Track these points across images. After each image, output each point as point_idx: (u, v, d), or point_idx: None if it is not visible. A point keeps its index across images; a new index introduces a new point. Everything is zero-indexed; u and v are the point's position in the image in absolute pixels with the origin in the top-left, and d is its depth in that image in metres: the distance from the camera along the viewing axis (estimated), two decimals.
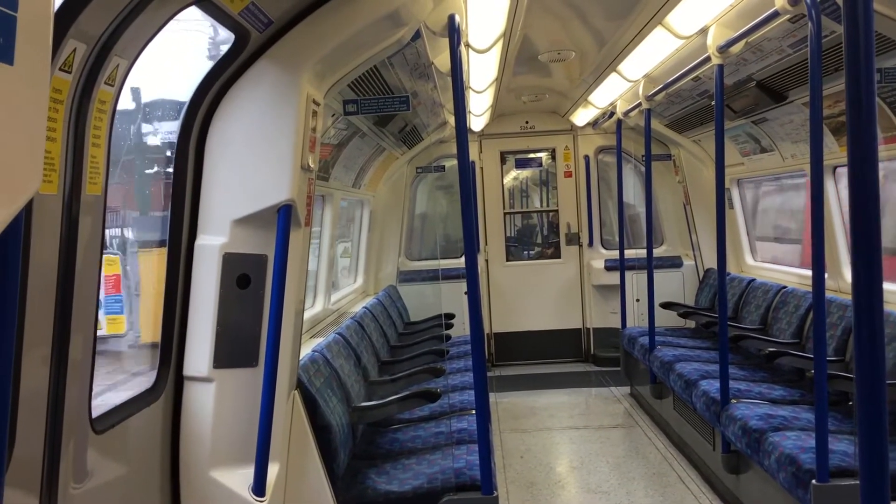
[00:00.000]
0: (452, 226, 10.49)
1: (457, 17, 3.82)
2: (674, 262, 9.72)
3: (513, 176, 11.32)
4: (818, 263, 4.00)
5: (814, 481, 3.90)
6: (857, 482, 1.97)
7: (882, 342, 1.91)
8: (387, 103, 5.00)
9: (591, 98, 8.47)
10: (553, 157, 10.50)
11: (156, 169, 6.01)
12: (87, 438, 2.69)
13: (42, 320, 2.36)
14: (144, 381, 3.41)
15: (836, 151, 5.61)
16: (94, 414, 2.75)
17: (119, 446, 2.96)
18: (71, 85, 2.32)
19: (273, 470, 3.45)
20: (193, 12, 2.81)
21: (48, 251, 2.36)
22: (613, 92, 7.86)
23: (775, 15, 4.28)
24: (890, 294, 5.05)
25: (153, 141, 5.68)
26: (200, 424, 3.40)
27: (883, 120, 4.92)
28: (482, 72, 6.59)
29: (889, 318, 4.87)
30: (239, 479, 3.38)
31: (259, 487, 3.33)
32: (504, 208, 10.55)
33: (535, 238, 11.07)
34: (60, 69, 2.22)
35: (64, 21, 2.16)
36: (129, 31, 2.45)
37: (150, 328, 4.94)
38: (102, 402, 3.00)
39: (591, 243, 10.24)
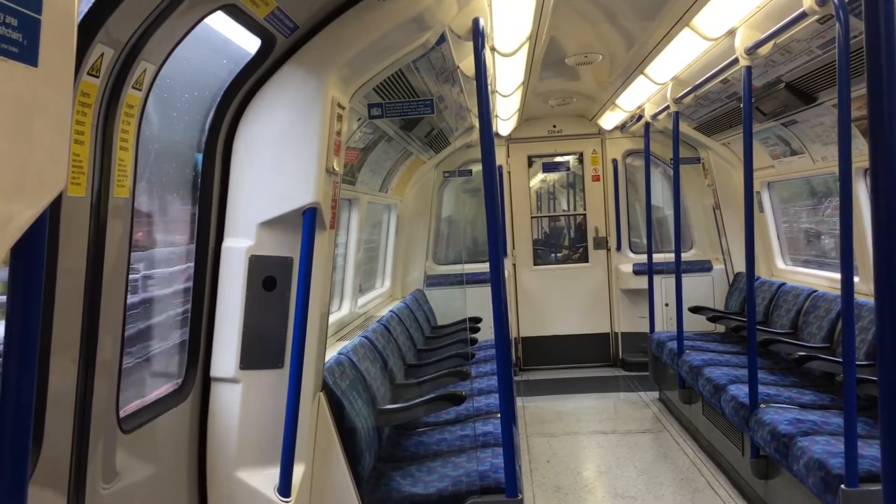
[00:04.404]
0: (480, 230, 10.47)
1: (481, 21, 3.82)
2: (703, 266, 9.64)
3: (540, 179, 11.30)
4: (846, 266, 3.94)
5: (843, 486, 3.85)
6: None
7: None
8: (411, 107, 5.00)
9: (618, 101, 8.44)
10: (581, 161, 10.47)
11: None
12: (115, 438, 2.72)
13: (71, 321, 2.40)
14: None
15: (866, 153, 5.52)
16: (122, 414, 2.79)
17: (146, 446, 3.00)
18: (99, 89, 2.35)
19: (298, 471, 3.48)
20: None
21: (77, 252, 2.40)
22: (641, 95, 7.83)
23: (803, 16, 4.24)
24: None
25: None
26: (227, 425, 3.43)
27: None
28: (508, 75, 6.59)
29: None
30: (265, 479, 3.41)
31: (285, 488, 3.35)
32: (531, 212, 10.54)
33: (563, 242, 11.03)
34: (88, 73, 2.26)
35: (91, 26, 2.20)
36: (156, 35, 2.49)
37: None
38: None
39: (619, 247, 10.20)
